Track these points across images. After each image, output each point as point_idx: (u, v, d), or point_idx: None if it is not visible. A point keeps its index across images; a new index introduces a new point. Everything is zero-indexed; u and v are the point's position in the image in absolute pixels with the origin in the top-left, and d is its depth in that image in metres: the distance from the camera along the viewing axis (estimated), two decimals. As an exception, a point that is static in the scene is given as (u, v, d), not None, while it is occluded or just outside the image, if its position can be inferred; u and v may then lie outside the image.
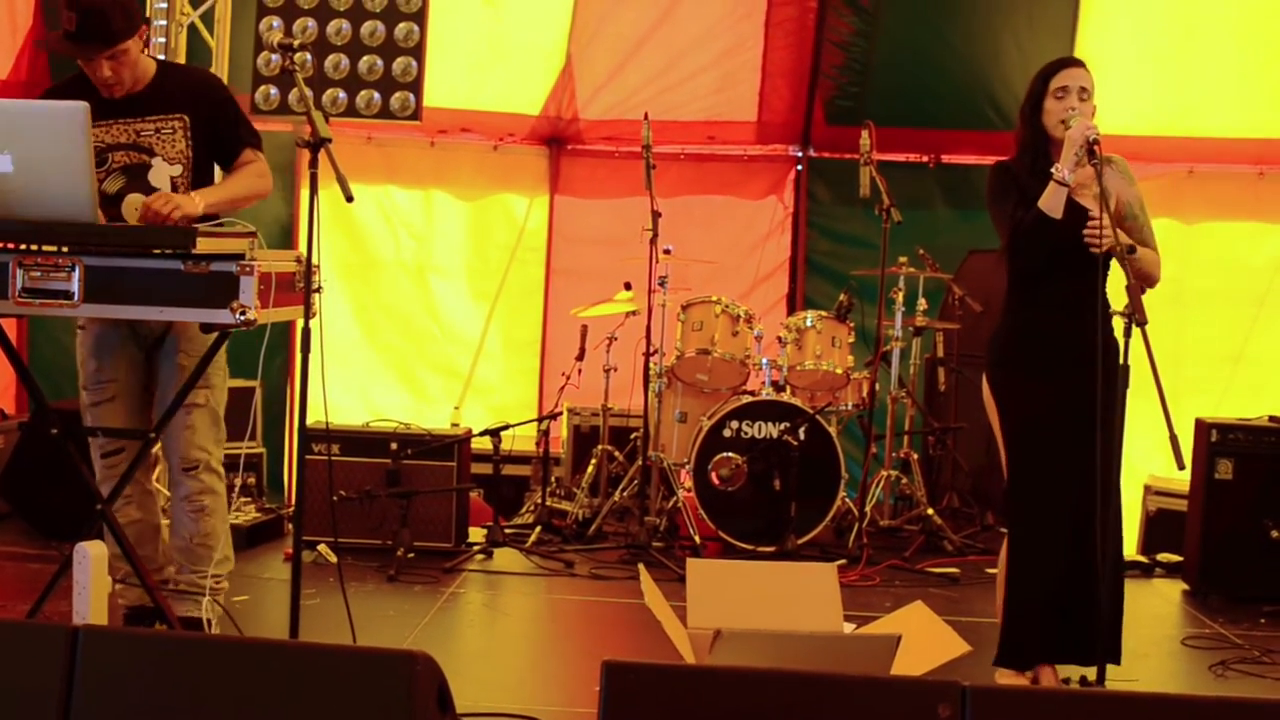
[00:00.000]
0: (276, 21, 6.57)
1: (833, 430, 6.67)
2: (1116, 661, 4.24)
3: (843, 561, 6.18)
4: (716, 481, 6.58)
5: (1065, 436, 4.25)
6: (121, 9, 4.06)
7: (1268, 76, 7.65)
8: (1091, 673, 4.23)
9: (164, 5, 6.57)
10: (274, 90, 6.59)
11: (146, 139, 4.24)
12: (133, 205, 4.20)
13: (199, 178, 4.31)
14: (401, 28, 6.62)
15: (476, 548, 6.31)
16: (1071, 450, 4.23)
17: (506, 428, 6.57)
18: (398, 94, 6.63)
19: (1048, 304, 4.31)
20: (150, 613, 4.40)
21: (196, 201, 4.03)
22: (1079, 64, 4.33)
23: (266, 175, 4.38)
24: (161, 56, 6.35)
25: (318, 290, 3.96)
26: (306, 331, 3.84)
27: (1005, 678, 4.36)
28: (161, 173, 4.25)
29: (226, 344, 4.34)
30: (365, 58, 6.62)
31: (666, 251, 6.72)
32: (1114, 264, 4.23)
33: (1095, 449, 4.16)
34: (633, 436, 7.14)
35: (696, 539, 6.54)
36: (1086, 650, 4.30)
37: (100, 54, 4.06)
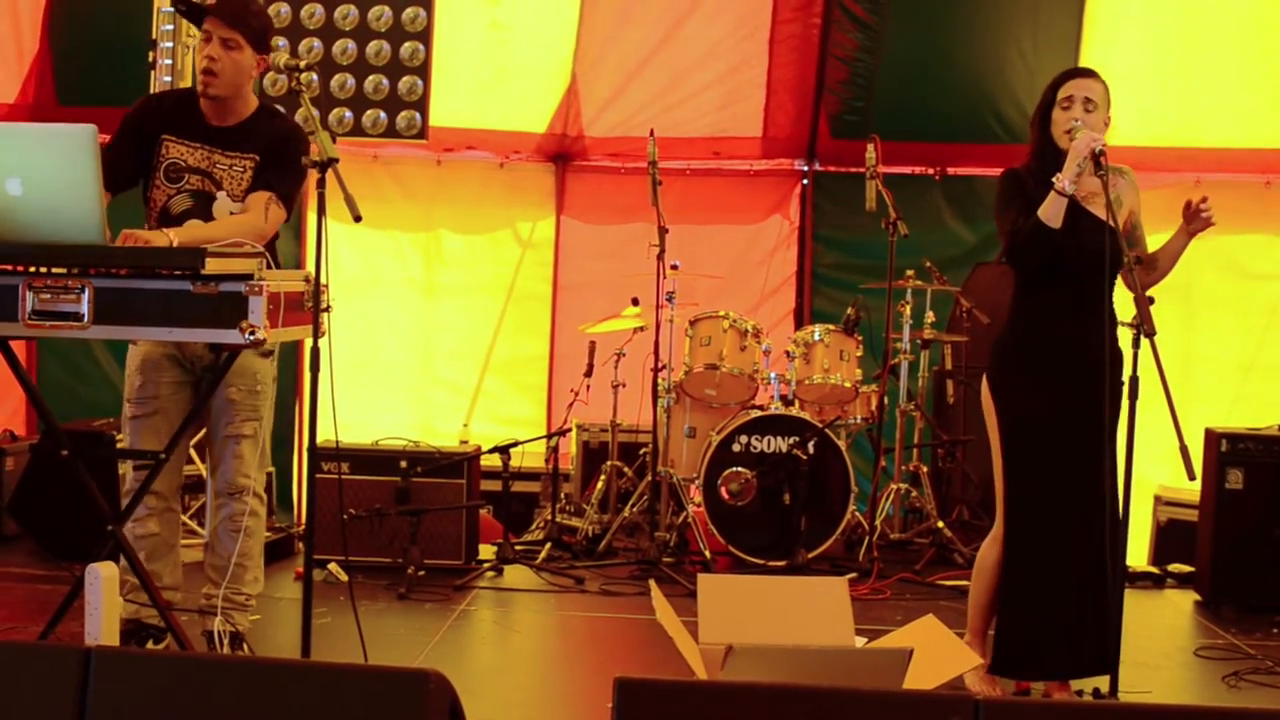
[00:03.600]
0: (282, 41, 6.60)
1: (842, 444, 6.67)
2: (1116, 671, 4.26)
3: (853, 575, 6.17)
4: (726, 496, 6.58)
5: (1065, 442, 4.28)
6: (258, 17, 4.36)
7: (1273, 86, 7.65)
8: (1104, 685, 4.23)
9: (170, 27, 6.59)
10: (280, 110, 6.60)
11: (219, 172, 4.36)
12: None
13: None
14: (407, 47, 6.65)
15: (487, 565, 6.31)
16: (1071, 457, 4.26)
17: (515, 444, 6.57)
18: (404, 113, 6.66)
19: (1053, 310, 4.33)
20: (145, 629, 4.43)
21: (171, 240, 4.05)
22: (1088, 74, 4.35)
23: (252, 228, 4.26)
24: (168, 79, 6.37)
25: (326, 309, 3.98)
26: (315, 351, 3.87)
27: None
28: (224, 207, 4.36)
29: (277, 377, 4.51)
30: (371, 77, 6.65)
31: (674, 267, 6.72)
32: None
33: (1097, 456, 4.21)
34: (642, 452, 7.14)
35: (707, 554, 6.53)
36: (1087, 665, 4.31)
37: (218, 28, 4.24)
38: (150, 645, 4.43)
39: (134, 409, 4.43)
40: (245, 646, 4.45)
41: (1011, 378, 4.40)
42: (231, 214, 4.33)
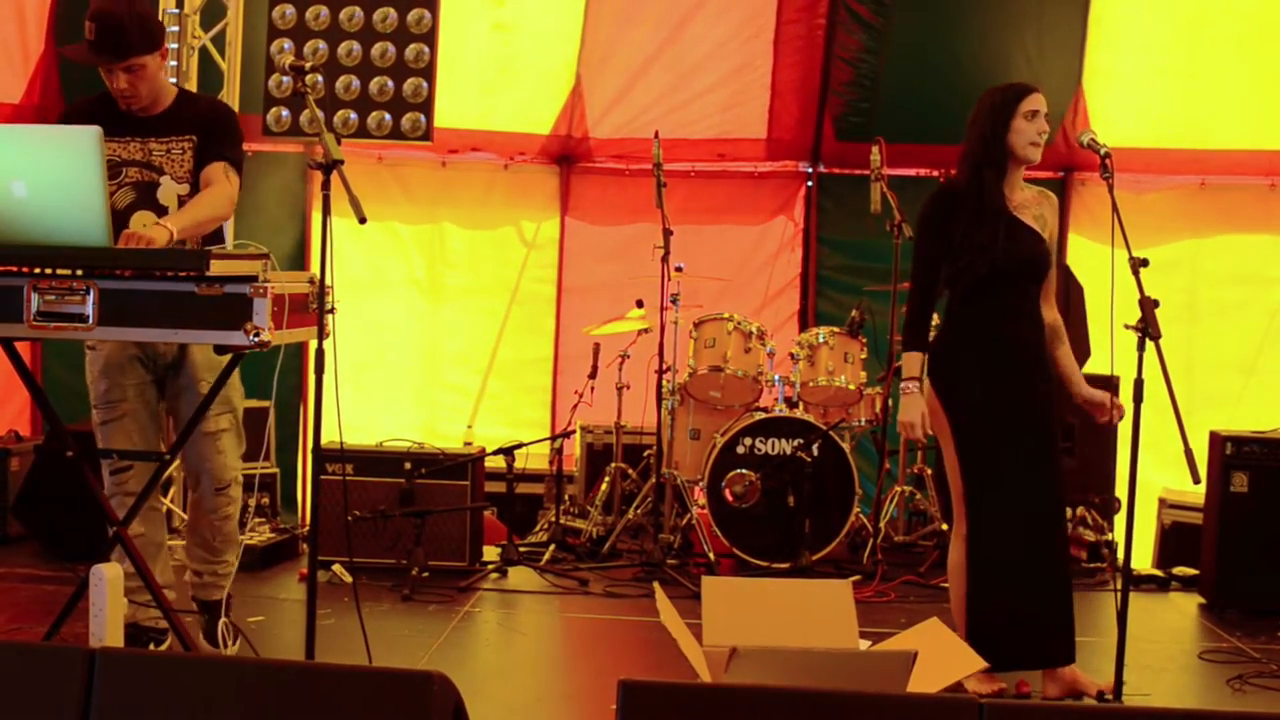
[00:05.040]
0: (288, 43, 6.60)
1: (846, 446, 6.66)
2: (1073, 660, 4.41)
3: (857, 577, 6.17)
4: (730, 498, 6.57)
5: (1014, 436, 4.40)
6: (140, 26, 4.23)
7: (1278, 88, 7.65)
8: (1109, 688, 4.24)
9: (175, 29, 6.61)
10: (285, 112, 6.61)
11: (158, 159, 4.36)
12: (140, 222, 4.27)
13: None
14: (412, 49, 6.65)
15: (491, 566, 6.31)
16: (1021, 449, 4.39)
17: (520, 446, 6.57)
18: (409, 114, 6.66)
19: (989, 314, 4.47)
20: (144, 632, 4.44)
21: (170, 230, 4.07)
22: (1039, 89, 4.49)
23: (226, 197, 4.38)
24: (173, 80, 6.39)
25: (331, 311, 3.99)
26: (320, 352, 3.86)
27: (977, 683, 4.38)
28: (170, 191, 4.36)
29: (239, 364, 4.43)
30: (376, 79, 6.65)
31: (678, 269, 6.72)
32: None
33: (1044, 447, 4.39)
34: (646, 454, 7.13)
35: (711, 556, 6.53)
36: (1058, 651, 4.35)
37: (115, 65, 4.21)
38: (151, 648, 4.43)
39: (102, 414, 4.44)
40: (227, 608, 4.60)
41: (955, 380, 4.50)
42: (180, 196, 4.35)
